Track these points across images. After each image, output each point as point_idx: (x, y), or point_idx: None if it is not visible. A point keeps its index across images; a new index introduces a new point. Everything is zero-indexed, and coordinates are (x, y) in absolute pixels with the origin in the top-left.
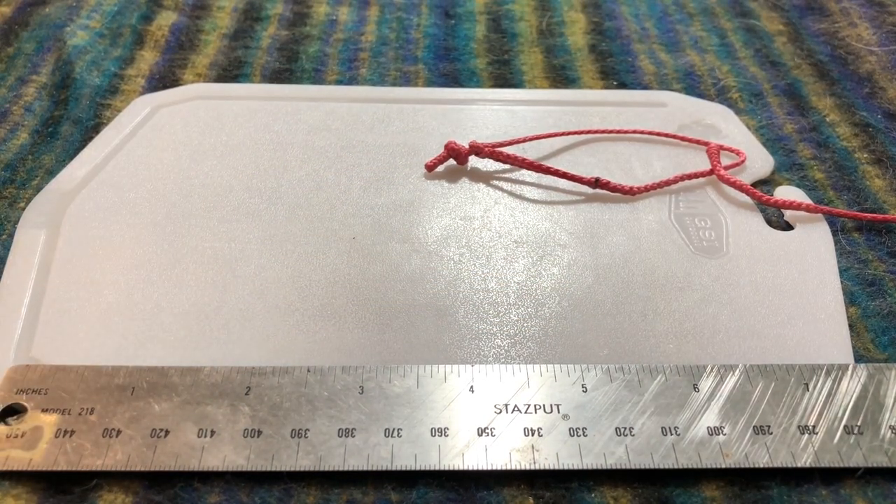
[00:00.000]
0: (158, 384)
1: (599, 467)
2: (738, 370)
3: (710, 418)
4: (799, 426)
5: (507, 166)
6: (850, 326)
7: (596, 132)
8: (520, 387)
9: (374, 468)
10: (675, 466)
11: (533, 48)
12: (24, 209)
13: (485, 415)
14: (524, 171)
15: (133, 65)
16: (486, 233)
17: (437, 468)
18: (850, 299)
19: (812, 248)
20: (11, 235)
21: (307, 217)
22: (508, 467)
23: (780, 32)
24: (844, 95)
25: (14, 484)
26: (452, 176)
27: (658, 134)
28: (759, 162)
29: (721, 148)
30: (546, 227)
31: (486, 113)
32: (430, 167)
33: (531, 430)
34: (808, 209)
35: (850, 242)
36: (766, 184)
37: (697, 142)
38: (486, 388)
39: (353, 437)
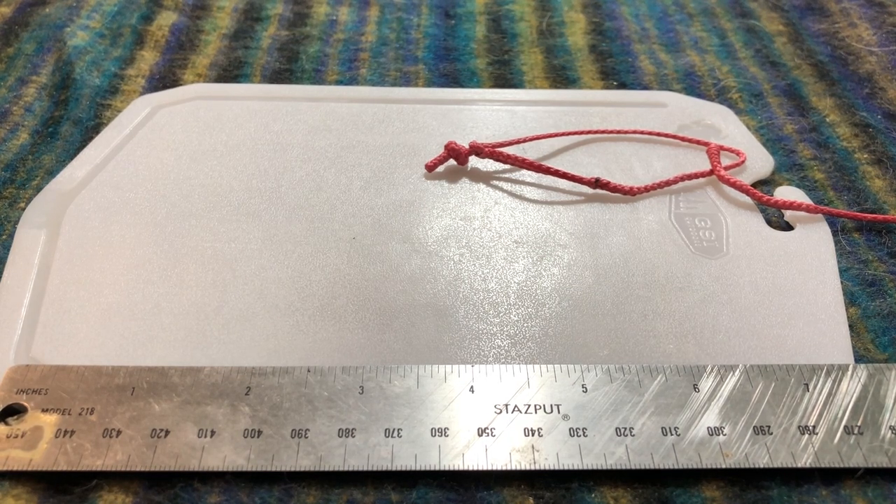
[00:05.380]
0: (158, 384)
1: (599, 467)
2: (738, 370)
3: (711, 418)
4: (799, 426)
5: (507, 166)
6: (850, 326)
7: (596, 132)
8: (520, 387)
9: (374, 468)
10: (676, 467)
11: (533, 48)
12: (24, 209)
13: (485, 415)
14: (524, 172)
15: (133, 65)
16: (487, 233)
17: (437, 468)
18: (850, 299)
19: (812, 249)
20: (11, 235)
21: (307, 217)
22: (508, 467)
23: (780, 33)
24: (844, 96)
25: (14, 484)
26: (452, 176)
27: (658, 134)
28: (759, 162)
29: (721, 148)
30: (546, 228)
31: (486, 113)
32: (431, 167)
33: (531, 430)
34: (808, 209)
35: (850, 243)
36: (766, 184)
37: (697, 142)
38: (486, 389)
39: (354, 437)
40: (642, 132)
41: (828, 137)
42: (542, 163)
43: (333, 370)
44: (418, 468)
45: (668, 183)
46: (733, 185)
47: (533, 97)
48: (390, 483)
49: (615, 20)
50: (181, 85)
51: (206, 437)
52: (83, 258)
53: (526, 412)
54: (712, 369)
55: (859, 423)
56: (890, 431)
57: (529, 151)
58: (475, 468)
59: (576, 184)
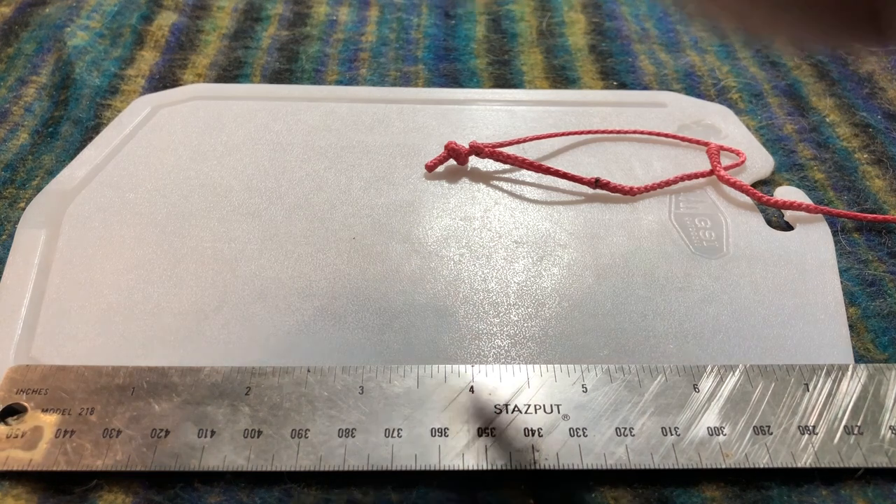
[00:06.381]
0: (158, 384)
1: (599, 467)
2: (738, 370)
3: (710, 418)
4: (799, 426)
5: (507, 166)
6: (850, 326)
7: (596, 132)
8: (520, 387)
9: (374, 468)
10: (675, 467)
11: (533, 48)
12: (24, 209)
13: (485, 415)
14: (524, 172)
15: (133, 65)
16: (486, 233)
17: (437, 468)
18: (850, 299)
19: (812, 249)
20: (11, 235)
21: (307, 217)
22: (508, 467)
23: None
24: (844, 96)
25: (14, 484)
26: (452, 176)
27: (658, 134)
28: (759, 162)
29: (721, 148)
30: (546, 228)
31: (486, 113)
32: (430, 167)
33: (531, 430)
34: (808, 209)
35: (850, 243)
36: (766, 184)
37: (697, 142)
38: (486, 389)
39: (353, 437)
40: (642, 132)
41: (828, 137)
42: (542, 163)
43: (333, 370)
44: (418, 468)
45: (668, 183)
46: (733, 185)
47: (533, 97)
48: (390, 483)
49: (615, 20)
50: (181, 85)
51: (206, 437)
52: (83, 258)
53: (526, 412)
54: (712, 369)
55: (859, 423)
56: (890, 431)
57: (529, 151)
58: (475, 468)
59: (576, 184)
